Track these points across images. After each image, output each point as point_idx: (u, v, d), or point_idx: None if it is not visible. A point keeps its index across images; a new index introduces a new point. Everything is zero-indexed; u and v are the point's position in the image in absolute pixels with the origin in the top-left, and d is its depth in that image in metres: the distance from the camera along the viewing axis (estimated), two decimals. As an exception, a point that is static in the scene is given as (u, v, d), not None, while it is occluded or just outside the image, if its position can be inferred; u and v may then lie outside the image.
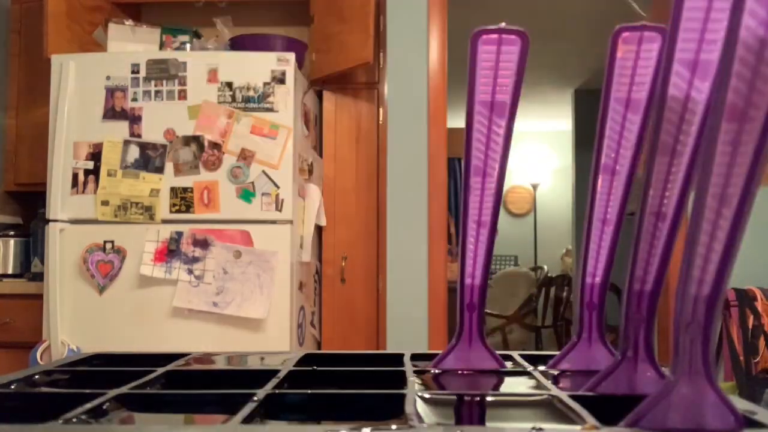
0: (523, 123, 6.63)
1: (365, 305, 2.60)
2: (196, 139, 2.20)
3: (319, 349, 2.55)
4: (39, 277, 2.44)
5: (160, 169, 2.20)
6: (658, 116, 0.48)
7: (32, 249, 2.73)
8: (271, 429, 0.40)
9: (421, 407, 0.49)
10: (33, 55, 2.73)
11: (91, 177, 2.21)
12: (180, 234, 2.17)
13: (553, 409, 0.48)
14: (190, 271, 2.16)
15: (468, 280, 0.63)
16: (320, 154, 2.65)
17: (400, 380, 0.58)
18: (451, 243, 4.56)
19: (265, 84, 2.20)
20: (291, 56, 2.23)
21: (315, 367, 0.66)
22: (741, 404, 0.41)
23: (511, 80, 0.58)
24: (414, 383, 0.57)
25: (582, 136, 5.54)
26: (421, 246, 2.63)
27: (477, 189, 0.59)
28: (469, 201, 0.60)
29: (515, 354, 0.70)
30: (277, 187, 2.18)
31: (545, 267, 6.22)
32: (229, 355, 0.80)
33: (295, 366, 0.63)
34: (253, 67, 2.21)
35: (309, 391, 0.59)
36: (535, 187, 7.24)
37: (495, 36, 0.57)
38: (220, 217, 2.18)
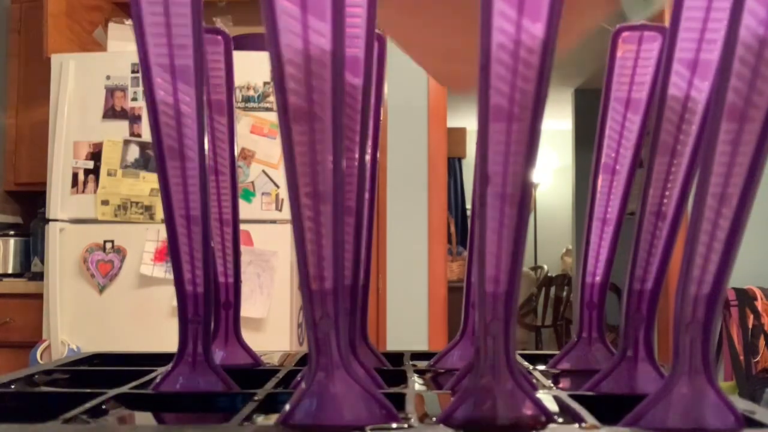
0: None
1: (365, 305, 2.60)
2: (196, 139, 2.19)
3: (319, 348, 2.55)
4: (39, 276, 2.44)
5: (160, 169, 2.20)
6: (658, 116, 0.48)
7: (32, 249, 2.73)
8: (271, 429, 0.40)
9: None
10: (33, 55, 2.73)
11: (91, 177, 2.21)
12: (180, 234, 2.17)
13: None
14: (190, 271, 2.16)
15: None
16: (320, 154, 2.65)
17: (400, 379, 0.58)
18: (451, 243, 4.56)
19: (265, 84, 2.20)
20: (291, 56, 2.23)
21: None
22: (741, 404, 0.41)
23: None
24: (414, 382, 0.57)
25: (582, 136, 5.53)
26: (421, 246, 2.63)
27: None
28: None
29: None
30: (277, 186, 2.18)
31: (545, 267, 6.22)
32: (229, 355, 0.80)
33: (295, 366, 0.63)
34: (253, 67, 2.21)
35: (309, 391, 0.59)
36: (535, 186, 7.25)
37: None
38: (220, 217, 2.18)
